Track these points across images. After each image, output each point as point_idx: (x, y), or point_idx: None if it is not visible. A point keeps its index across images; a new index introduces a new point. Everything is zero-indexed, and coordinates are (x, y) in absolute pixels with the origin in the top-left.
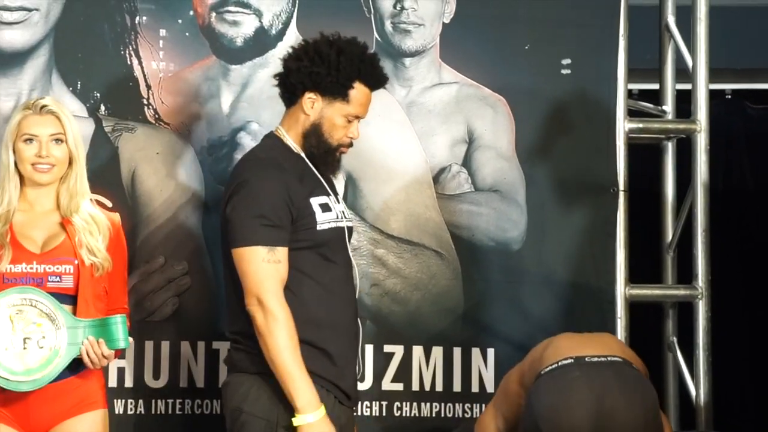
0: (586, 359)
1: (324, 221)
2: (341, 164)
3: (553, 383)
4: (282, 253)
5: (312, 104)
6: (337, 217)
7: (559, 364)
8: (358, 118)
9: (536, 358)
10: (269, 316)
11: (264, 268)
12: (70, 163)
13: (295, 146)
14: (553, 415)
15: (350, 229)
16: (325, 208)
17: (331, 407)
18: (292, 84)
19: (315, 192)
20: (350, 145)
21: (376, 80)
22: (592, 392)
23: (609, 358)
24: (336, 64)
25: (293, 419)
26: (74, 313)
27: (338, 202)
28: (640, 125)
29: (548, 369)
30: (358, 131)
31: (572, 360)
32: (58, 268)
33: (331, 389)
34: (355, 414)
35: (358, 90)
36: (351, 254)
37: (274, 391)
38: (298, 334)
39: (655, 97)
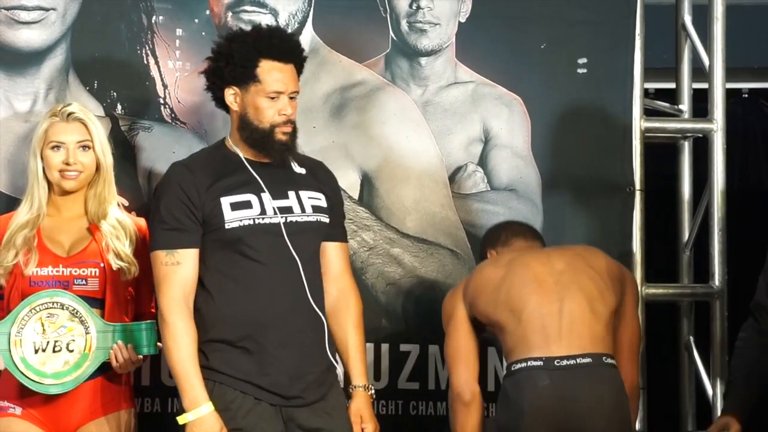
0: (556, 363)
1: (234, 219)
2: (289, 147)
3: (523, 390)
4: (183, 254)
5: (234, 98)
6: (262, 214)
7: (528, 365)
8: (281, 93)
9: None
10: (160, 319)
11: (162, 271)
12: (98, 169)
13: (233, 146)
14: (522, 423)
15: (299, 224)
16: (241, 206)
17: (249, 409)
18: (211, 89)
19: (233, 191)
20: (289, 123)
21: (280, 51)
22: (560, 401)
23: (579, 361)
24: (229, 52)
25: (177, 418)
26: (102, 316)
27: (280, 198)
28: (657, 124)
29: (517, 368)
30: (292, 107)
31: (542, 363)
32: (83, 271)
33: (249, 390)
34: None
35: (264, 67)
36: (292, 250)
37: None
38: (214, 334)
39: (672, 96)
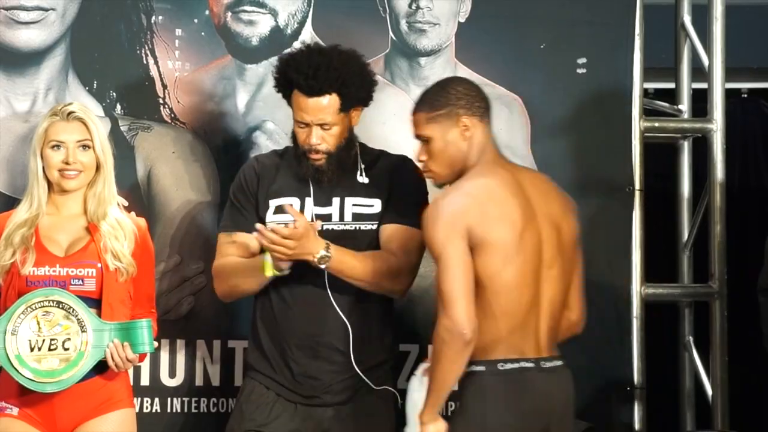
0: (542, 364)
1: (272, 222)
2: (323, 171)
3: (520, 392)
4: (238, 236)
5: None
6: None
7: (521, 365)
8: (306, 124)
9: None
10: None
11: (217, 248)
12: (98, 168)
13: None
14: (518, 425)
15: (335, 232)
16: (283, 210)
17: (271, 403)
18: None
19: (281, 193)
20: (315, 152)
21: (302, 87)
22: (548, 403)
23: (555, 363)
24: (275, 74)
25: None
26: (99, 316)
27: (323, 205)
28: (656, 124)
29: (509, 368)
30: (320, 137)
31: (533, 364)
32: (80, 272)
33: (271, 386)
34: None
35: (294, 96)
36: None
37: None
38: (255, 332)
39: (671, 96)
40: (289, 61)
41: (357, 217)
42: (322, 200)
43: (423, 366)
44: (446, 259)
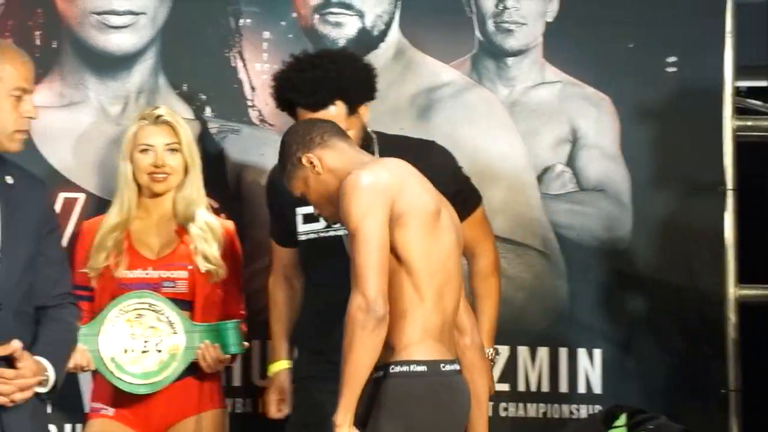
0: (458, 366)
1: (302, 232)
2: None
3: (458, 397)
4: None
5: None
6: (326, 227)
7: (455, 368)
8: None
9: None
10: None
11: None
12: (186, 171)
13: None
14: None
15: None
16: (310, 218)
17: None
18: None
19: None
20: None
21: (304, 104)
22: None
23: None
24: (274, 95)
25: None
26: (191, 319)
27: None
28: (749, 123)
29: (449, 369)
30: None
31: (458, 366)
32: (172, 274)
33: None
34: None
35: (300, 113)
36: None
37: None
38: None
39: (764, 94)
40: (284, 82)
41: None
42: None
43: None
44: (364, 233)
